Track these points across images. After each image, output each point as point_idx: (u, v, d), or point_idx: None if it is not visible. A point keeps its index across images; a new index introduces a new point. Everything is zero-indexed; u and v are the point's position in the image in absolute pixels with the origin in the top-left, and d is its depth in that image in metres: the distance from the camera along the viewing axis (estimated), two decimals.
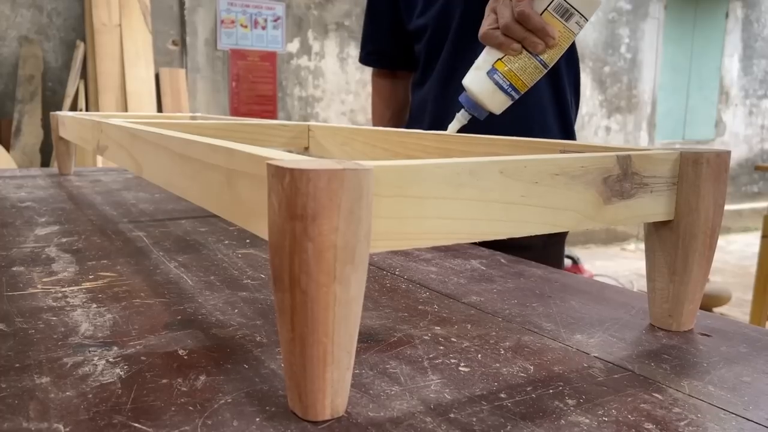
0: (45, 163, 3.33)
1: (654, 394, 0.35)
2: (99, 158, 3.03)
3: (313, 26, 4.18)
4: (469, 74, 0.76)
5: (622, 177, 0.40)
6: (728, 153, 0.44)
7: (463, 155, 0.62)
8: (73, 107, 3.32)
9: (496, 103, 0.75)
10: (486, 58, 0.74)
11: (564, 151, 0.50)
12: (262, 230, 0.34)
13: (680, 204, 0.43)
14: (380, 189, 0.32)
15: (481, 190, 0.35)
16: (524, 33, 0.71)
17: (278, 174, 0.29)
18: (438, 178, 0.33)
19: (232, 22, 3.96)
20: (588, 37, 4.96)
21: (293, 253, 0.29)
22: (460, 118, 0.77)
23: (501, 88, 0.74)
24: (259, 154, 0.34)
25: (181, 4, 3.79)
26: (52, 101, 3.44)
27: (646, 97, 5.45)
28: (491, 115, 0.78)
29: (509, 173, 0.36)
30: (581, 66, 4.96)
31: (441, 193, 0.34)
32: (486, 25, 0.74)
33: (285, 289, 0.30)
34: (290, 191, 0.29)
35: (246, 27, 4.00)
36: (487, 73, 0.73)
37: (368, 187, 0.30)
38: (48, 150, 3.34)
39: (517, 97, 0.75)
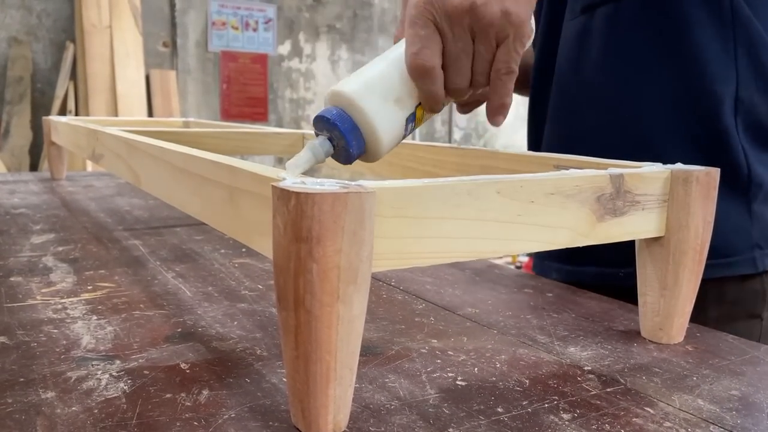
0: (34, 164, 3.31)
1: (646, 408, 0.36)
2: (89, 162, 3.01)
3: (304, 28, 4.18)
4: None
5: (615, 195, 0.41)
6: (717, 170, 0.45)
7: (458, 167, 0.63)
8: (63, 109, 3.30)
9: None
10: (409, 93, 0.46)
11: (558, 167, 0.51)
12: (265, 248, 0.35)
13: (671, 221, 0.44)
14: (382, 210, 0.32)
15: (479, 210, 0.36)
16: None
17: (283, 197, 0.30)
18: (437, 199, 0.34)
19: (223, 23, 3.95)
20: None
21: (298, 273, 0.30)
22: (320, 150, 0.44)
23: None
24: (263, 173, 0.35)
25: (172, 6, 3.78)
26: (41, 103, 3.41)
27: None
28: (595, 125, 0.61)
29: (506, 193, 0.37)
30: None
31: (440, 213, 0.35)
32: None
33: (289, 309, 0.31)
34: (295, 214, 0.30)
35: (237, 29, 4.00)
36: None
37: (371, 208, 0.31)
38: (37, 152, 3.32)
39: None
